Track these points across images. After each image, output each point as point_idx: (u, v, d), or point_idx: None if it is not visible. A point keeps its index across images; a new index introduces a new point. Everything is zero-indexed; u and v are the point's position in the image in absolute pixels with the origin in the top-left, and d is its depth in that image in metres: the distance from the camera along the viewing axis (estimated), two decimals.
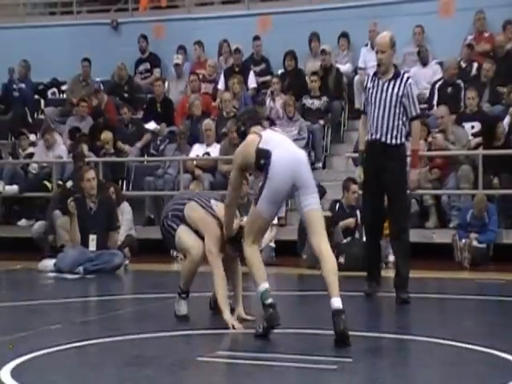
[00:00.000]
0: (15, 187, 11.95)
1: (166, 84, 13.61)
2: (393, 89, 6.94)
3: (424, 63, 12.38)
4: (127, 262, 9.58)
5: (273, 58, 13.39)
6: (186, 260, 6.04)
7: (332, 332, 5.16)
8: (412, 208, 10.36)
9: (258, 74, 13.23)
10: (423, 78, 12.28)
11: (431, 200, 10.32)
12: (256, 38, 13.37)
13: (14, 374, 4.49)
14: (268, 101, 12.34)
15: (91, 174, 9.40)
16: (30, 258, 10.02)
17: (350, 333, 5.16)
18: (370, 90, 7.05)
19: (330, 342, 5.26)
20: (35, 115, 14.14)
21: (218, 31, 13.65)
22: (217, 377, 4.63)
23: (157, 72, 14.09)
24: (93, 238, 9.15)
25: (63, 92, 14.54)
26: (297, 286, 8.80)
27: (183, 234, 5.95)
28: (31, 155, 12.46)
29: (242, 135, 5.75)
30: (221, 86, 13.03)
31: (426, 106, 11.90)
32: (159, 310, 6.66)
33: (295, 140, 11.87)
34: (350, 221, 9.45)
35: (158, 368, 4.69)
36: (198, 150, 11.57)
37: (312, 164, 11.92)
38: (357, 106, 12.51)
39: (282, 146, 5.48)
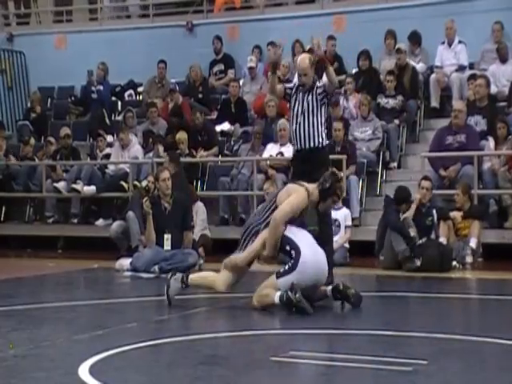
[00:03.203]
0: (93, 188, 12.17)
1: (240, 84, 13.65)
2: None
3: (503, 60, 12.08)
4: (201, 261, 9.65)
5: (347, 57, 13.28)
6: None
7: (407, 334, 5.19)
8: (490, 208, 10.14)
9: None
10: (502, 75, 12.00)
11: (510, 200, 10.07)
12: (330, 37, 13.27)
13: (92, 371, 4.56)
14: (342, 100, 12.25)
15: (166, 174, 9.50)
16: (107, 258, 10.19)
17: (424, 335, 5.19)
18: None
19: (405, 343, 5.18)
20: (113, 117, 14.39)
21: (292, 31, 13.60)
22: (290, 377, 4.60)
23: (231, 73, 14.16)
24: (167, 238, 9.25)
25: (140, 93, 14.76)
26: (373, 286, 8.69)
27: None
28: (108, 156, 12.66)
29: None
30: None
31: (505, 103, 11.64)
32: (233, 310, 6.68)
33: (370, 140, 11.83)
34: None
35: (232, 368, 4.71)
36: (271, 150, 11.56)
37: (387, 164, 11.83)
38: (433, 104, 12.33)
39: (310, 247, 6.37)
